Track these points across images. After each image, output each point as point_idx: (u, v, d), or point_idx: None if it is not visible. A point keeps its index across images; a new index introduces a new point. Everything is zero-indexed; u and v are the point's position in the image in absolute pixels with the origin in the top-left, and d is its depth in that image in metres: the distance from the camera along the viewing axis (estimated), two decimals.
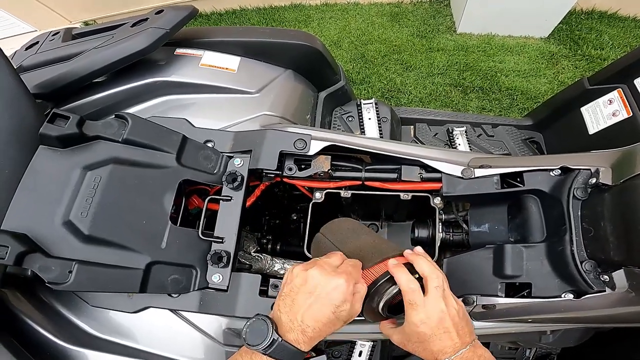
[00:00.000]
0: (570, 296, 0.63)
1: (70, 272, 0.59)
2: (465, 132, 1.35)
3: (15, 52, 0.96)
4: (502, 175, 0.71)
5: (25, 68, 0.86)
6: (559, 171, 0.69)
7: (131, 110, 0.86)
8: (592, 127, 1.15)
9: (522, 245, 0.69)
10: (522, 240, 0.72)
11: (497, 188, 0.71)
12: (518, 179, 0.71)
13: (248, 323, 0.50)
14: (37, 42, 0.93)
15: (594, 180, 0.63)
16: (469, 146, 1.32)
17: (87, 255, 0.63)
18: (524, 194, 0.71)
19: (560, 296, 0.64)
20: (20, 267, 0.58)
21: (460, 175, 0.73)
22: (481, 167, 0.72)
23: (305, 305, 0.49)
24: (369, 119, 1.21)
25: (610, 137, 1.09)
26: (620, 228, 0.57)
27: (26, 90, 0.69)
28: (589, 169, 0.65)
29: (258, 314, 0.51)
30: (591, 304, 0.61)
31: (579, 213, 0.64)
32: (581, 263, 0.61)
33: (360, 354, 1.09)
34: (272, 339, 0.48)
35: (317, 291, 0.49)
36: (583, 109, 1.19)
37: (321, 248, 0.65)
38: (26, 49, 0.93)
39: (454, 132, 1.35)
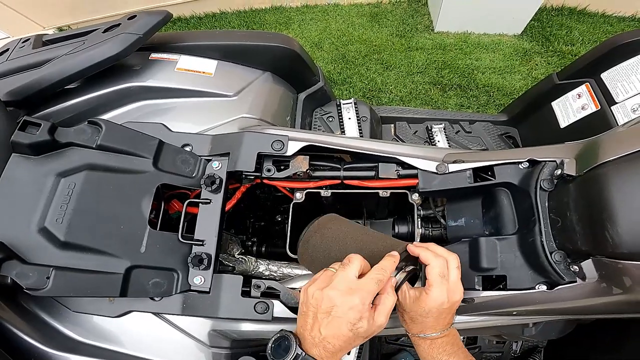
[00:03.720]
0: (544, 287, 0.63)
1: (48, 278, 0.59)
2: (444, 129, 1.38)
3: None
4: (474, 170, 0.73)
5: None
6: (527, 164, 0.71)
7: (107, 116, 0.85)
8: (563, 121, 1.19)
9: (496, 238, 0.70)
10: (496, 233, 0.74)
11: (470, 182, 0.72)
12: (489, 173, 0.73)
13: (273, 338, 0.53)
14: (7, 50, 0.91)
15: (559, 172, 0.64)
16: (448, 143, 1.35)
17: (65, 261, 0.62)
18: (495, 187, 0.74)
19: (534, 288, 0.64)
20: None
21: (435, 170, 0.74)
22: (455, 162, 0.74)
23: (324, 324, 0.51)
24: (349, 118, 1.22)
25: (581, 130, 1.13)
26: (585, 218, 0.58)
27: None
28: (555, 161, 0.67)
29: (283, 330, 0.53)
30: (564, 295, 0.61)
31: (547, 204, 0.65)
32: (551, 254, 0.62)
33: (349, 352, 1.10)
34: (296, 353, 0.50)
35: (334, 312, 0.50)
36: (554, 104, 1.23)
37: (319, 253, 0.64)
38: None
39: (432, 130, 1.38)
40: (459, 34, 2.12)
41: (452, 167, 0.74)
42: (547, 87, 1.25)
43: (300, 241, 0.66)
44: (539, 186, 0.66)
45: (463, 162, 0.73)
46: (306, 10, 2.36)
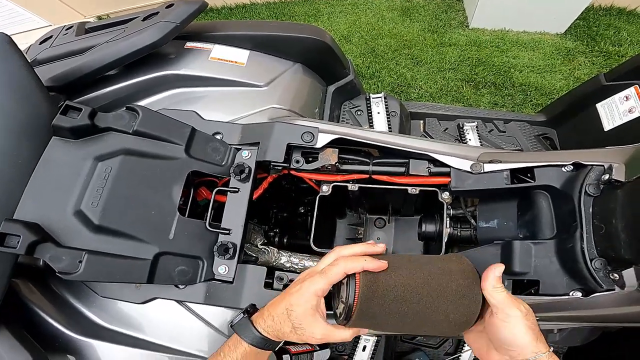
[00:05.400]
0: (579, 294, 0.62)
1: (80, 262, 0.60)
2: (477, 127, 1.33)
3: (30, 46, 0.98)
4: (512, 171, 0.70)
5: (39, 62, 0.87)
6: (571, 167, 0.67)
7: (142, 102, 0.87)
8: (608, 124, 1.12)
9: (531, 242, 0.68)
10: (531, 237, 0.71)
11: (507, 183, 0.69)
12: (529, 175, 0.70)
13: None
14: (51, 36, 0.94)
15: (606, 177, 0.61)
16: (480, 141, 1.31)
17: (97, 245, 0.63)
18: (534, 190, 0.70)
19: (568, 294, 0.63)
20: (31, 257, 0.58)
21: (470, 170, 0.72)
22: (491, 162, 0.71)
23: (279, 297, 0.54)
24: (378, 113, 1.20)
25: (626, 134, 1.07)
26: (631, 225, 0.56)
27: (39, 83, 0.70)
28: (602, 165, 0.64)
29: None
30: (600, 303, 0.60)
31: (591, 210, 0.63)
32: (591, 261, 0.60)
33: (364, 348, 1.09)
34: (242, 313, 0.56)
35: (290, 288, 0.53)
36: (599, 105, 1.16)
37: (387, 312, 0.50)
38: (40, 42, 0.95)
39: (464, 127, 1.33)
40: (496, 31, 2.04)
41: (488, 167, 0.71)
42: (592, 88, 1.18)
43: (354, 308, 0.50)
44: (584, 191, 0.63)
45: (500, 162, 0.70)
46: (335, 3, 2.34)
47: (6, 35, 0.69)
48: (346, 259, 0.51)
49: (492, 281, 0.49)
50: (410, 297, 0.49)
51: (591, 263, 0.60)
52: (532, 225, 0.72)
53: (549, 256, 0.66)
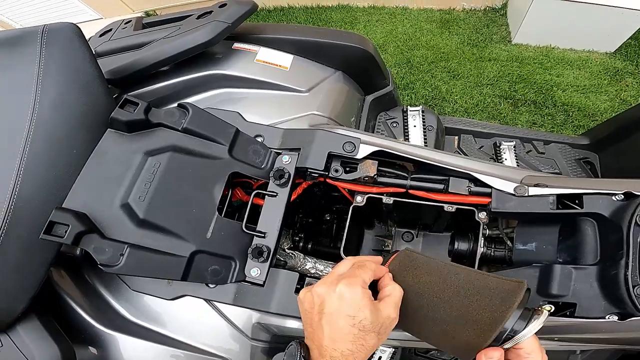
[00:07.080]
0: (615, 318, 0.62)
1: (122, 255, 0.59)
2: (514, 147, 1.29)
3: (90, 38, 1.03)
4: (558, 196, 0.68)
5: (98, 54, 0.91)
6: (622, 196, 0.65)
7: (189, 100, 0.89)
8: None
9: (572, 267, 0.67)
10: (571, 262, 0.70)
11: (553, 209, 0.67)
12: (576, 201, 0.68)
13: (286, 350, 0.48)
14: (110, 30, 0.98)
15: None
16: (517, 162, 1.27)
17: (139, 240, 0.63)
18: (580, 217, 0.68)
19: (604, 317, 0.63)
20: (68, 245, 0.57)
21: (513, 192, 0.70)
22: (537, 185, 0.69)
23: (322, 328, 0.43)
24: (414, 126, 1.19)
25: None
26: None
27: (101, 75, 0.72)
28: None
29: (297, 340, 0.48)
30: (635, 326, 0.61)
31: (639, 240, 0.61)
32: (633, 287, 0.60)
33: (379, 359, 1.08)
34: None
35: (326, 308, 0.43)
36: None
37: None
38: (100, 35, 0.99)
39: (501, 147, 1.30)
40: (541, 47, 1.98)
41: (533, 191, 0.69)
42: None
43: None
44: (634, 221, 0.61)
45: (546, 186, 0.68)
46: (373, 11, 2.34)
47: (75, 25, 0.72)
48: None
49: None
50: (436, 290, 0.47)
51: (633, 289, 0.60)
52: (574, 251, 0.70)
53: (589, 281, 0.66)
